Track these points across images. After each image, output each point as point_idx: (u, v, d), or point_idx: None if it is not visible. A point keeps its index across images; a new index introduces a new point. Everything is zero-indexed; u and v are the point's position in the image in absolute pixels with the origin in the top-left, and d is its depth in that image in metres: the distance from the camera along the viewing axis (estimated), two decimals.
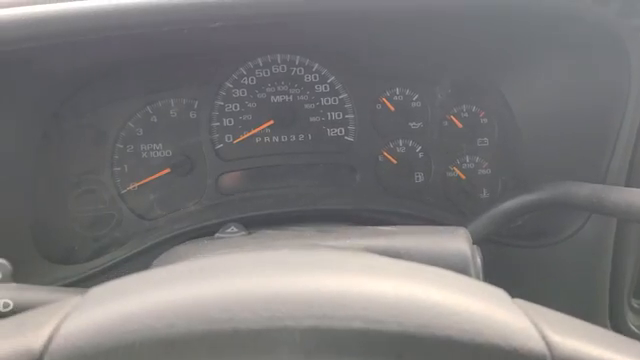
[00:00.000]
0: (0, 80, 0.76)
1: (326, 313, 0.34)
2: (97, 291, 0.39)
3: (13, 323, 0.39)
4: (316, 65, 0.96)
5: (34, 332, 0.35)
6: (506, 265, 0.76)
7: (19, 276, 0.60)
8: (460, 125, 0.96)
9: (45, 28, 0.68)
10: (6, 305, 0.54)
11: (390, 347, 0.34)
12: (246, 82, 0.96)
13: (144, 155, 0.95)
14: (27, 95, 0.82)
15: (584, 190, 0.70)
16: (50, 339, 0.34)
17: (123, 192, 0.94)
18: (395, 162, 0.97)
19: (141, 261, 0.83)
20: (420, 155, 0.97)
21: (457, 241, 0.63)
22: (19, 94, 0.81)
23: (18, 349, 0.34)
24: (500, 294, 0.40)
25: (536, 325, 0.36)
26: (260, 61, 0.95)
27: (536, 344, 0.35)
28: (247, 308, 0.34)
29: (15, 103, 0.81)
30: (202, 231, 0.83)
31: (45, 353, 0.34)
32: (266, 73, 0.96)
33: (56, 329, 0.35)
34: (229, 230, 0.72)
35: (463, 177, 0.97)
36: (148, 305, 0.35)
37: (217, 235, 0.73)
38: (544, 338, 0.35)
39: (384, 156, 0.97)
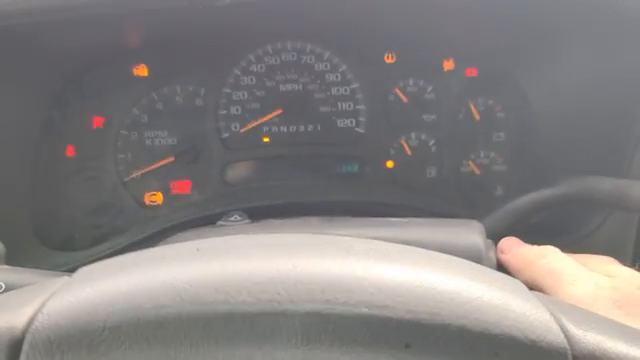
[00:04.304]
0: (2, 58, 0.74)
1: (329, 298, 0.32)
2: (85, 270, 0.38)
3: None
4: (327, 53, 0.93)
5: (17, 310, 0.33)
6: None
7: (16, 261, 0.59)
8: (477, 118, 0.93)
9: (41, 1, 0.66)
10: None
11: (398, 336, 0.31)
12: (255, 69, 0.93)
13: (148, 142, 0.92)
14: (30, 75, 0.80)
15: (606, 185, 0.66)
16: (33, 317, 0.32)
17: (126, 180, 0.92)
18: (407, 155, 0.94)
19: (142, 249, 0.81)
20: (433, 149, 0.94)
21: (470, 234, 0.60)
22: (21, 74, 0.79)
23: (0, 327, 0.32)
24: (517, 284, 0.37)
25: (555, 317, 0.33)
26: (270, 48, 0.93)
27: (556, 337, 0.32)
28: (244, 290, 0.32)
29: (18, 83, 0.79)
30: (205, 220, 0.81)
31: (27, 331, 0.32)
32: (275, 61, 0.93)
33: (40, 307, 0.33)
34: (232, 218, 0.70)
35: (477, 172, 0.94)
36: (137, 284, 0.33)
37: (219, 223, 0.70)
38: (564, 331, 0.32)
39: (396, 149, 0.94)
